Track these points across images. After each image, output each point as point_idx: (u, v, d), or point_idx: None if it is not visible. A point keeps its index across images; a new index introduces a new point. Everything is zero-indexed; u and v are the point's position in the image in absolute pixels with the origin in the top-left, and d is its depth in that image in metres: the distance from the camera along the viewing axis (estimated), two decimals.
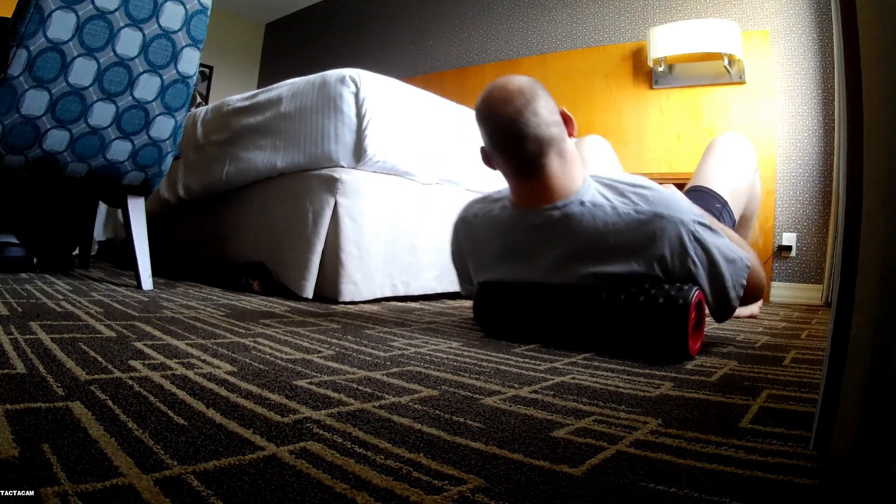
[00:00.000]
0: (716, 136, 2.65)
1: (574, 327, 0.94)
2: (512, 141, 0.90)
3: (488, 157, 0.99)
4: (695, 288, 0.84)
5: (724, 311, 0.92)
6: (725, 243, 0.90)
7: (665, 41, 2.67)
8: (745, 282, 0.92)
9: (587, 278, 0.91)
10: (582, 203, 0.90)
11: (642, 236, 0.86)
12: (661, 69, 2.81)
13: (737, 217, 1.27)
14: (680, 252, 0.86)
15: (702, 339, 0.90)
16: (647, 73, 2.93)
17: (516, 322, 1.01)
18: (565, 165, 0.92)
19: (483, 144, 0.99)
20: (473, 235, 1.07)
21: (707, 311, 0.92)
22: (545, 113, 0.90)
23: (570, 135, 0.95)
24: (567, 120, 0.95)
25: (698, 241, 0.86)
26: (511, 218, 0.99)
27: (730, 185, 1.25)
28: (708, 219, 0.91)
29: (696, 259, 0.86)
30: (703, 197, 1.22)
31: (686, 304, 0.82)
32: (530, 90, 0.91)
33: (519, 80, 0.92)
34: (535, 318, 0.98)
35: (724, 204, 1.21)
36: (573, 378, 0.70)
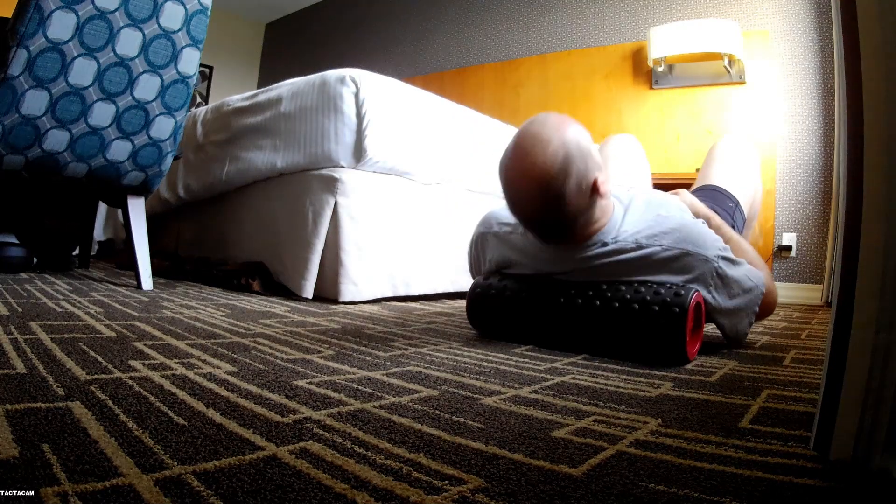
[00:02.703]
0: (716, 136, 2.67)
1: (568, 331, 0.94)
2: (534, 226, 0.91)
3: None
4: (692, 291, 0.85)
5: (736, 336, 0.96)
6: (745, 273, 0.94)
7: (665, 41, 2.67)
8: (757, 308, 0.97)
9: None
10: (605, 244, 0.93)
11: (671, 268, 0.91)
12: (661, 69, 2.81)
13: (746, 217, 1.33)
14: (703, 285, 0.91)
15: (700, 341, 0.91)
16: (647, 73, 2.93)
17: (509, 323, 1.01)
18: (589, 222, 0.91)
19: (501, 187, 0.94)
20: (492, 250, 1.09)
21: (704, 317, 0.93)
22: (572, 197, 0.84)
23: (600, 197, 0.90)
24: (596, 189, 0.87)
25: (721, 277, 0.90)
26: (537, 248, 1.00)
27: (741, 185, 1.31)
28: (727, 244, 0.96)
29: (715, 293, 0.91)
30: (716, 196, 1.25)
31: (683, 312, 0.82)
32: (561, 170, 0.82)
33: (551, 150, 0.83)
34: (528, 320, 0.98)
35: (737, 203, 1.26)
36: (573, 378, 0.70)
